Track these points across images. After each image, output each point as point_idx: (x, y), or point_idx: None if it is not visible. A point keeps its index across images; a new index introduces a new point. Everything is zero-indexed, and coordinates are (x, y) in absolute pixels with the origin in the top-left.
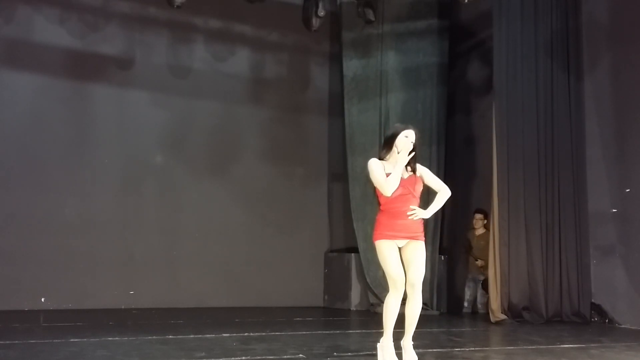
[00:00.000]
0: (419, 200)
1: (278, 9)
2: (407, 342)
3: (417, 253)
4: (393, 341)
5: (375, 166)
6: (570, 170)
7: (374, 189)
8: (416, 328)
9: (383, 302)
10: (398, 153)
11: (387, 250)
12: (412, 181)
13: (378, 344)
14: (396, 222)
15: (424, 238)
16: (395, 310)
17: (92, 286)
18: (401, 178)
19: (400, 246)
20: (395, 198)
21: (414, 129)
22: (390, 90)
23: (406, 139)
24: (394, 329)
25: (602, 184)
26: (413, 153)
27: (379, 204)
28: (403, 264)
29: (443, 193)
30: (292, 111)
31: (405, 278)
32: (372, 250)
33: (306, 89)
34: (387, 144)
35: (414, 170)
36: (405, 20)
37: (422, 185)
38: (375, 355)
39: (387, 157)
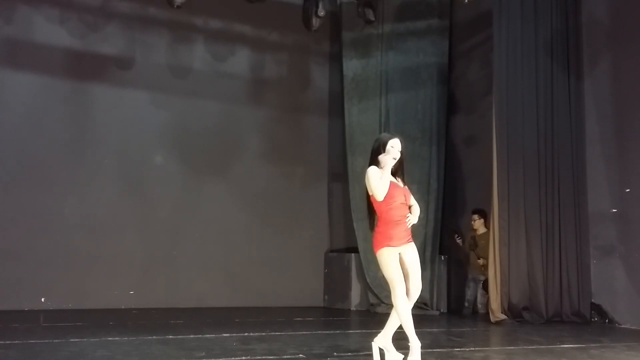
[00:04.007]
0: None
1: (278, 9)
2: (389, 342)
3: (415, 257)
4: (392, 341)
5: (374, 173)
6: (570, 170)
7: (368, 202)
8: (416, 328)
9: (383, 302)
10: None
11: (392, 258)
12: (407, 192)
13: (390, 346)
14: (399, 230)
15: None
16: (410, 308)
17: (92, 286)
18: (398, 187)
19: (400, 252)
20: (397, 206)
21: (399, 138)
22: (390, 90)
23: (392, 149)
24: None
25: (602, 184)
26: (397, 159)
27: (375, 213)
28: (402, 267)
29: (417, 208)
30: (292, 111)
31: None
32: (373, 250)
33: (306, 89)
34: (376, 157)
35: (403, 180)
36: (405, 20)
37: (411, 196)
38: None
39: (379, 167)
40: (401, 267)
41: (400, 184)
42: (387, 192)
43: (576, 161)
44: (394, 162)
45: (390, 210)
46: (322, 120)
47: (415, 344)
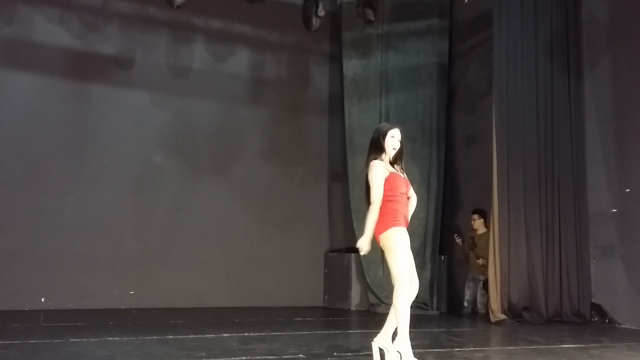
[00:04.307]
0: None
1: (278, 9)
2: (389, 342)
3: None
4: (392, 342)
5: (377, 169)
6: (570, 170)
7: (367, 189)
8: (416, 328)
9: (383, 302)
10: (387, 153)
11: (404, 239)
12: (407, 182)
13: (389, 346)
14: (405, 214)
15: None
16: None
17: (92, 286)
18: (399, 177)
19: None
20: (402, 194)
21: (399, 128)
22: (390, 90)
23: (392, 139)
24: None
25: (602, 184)
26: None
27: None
28: None
29: (414, 200)
30: (292, 111)
31: None
32: (372, 250)
33: (306, 89)
34: (376, 146)
35: (403, 169)
36: (405, 20)
37: (410, 186)
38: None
39: (380, 158)
40: None
41: (400, 173)
42: (391, 182)
43: (576, 161)
44: (394, 152)
45: (394, 195)
46: (322, 120)
47: (406, 349)
